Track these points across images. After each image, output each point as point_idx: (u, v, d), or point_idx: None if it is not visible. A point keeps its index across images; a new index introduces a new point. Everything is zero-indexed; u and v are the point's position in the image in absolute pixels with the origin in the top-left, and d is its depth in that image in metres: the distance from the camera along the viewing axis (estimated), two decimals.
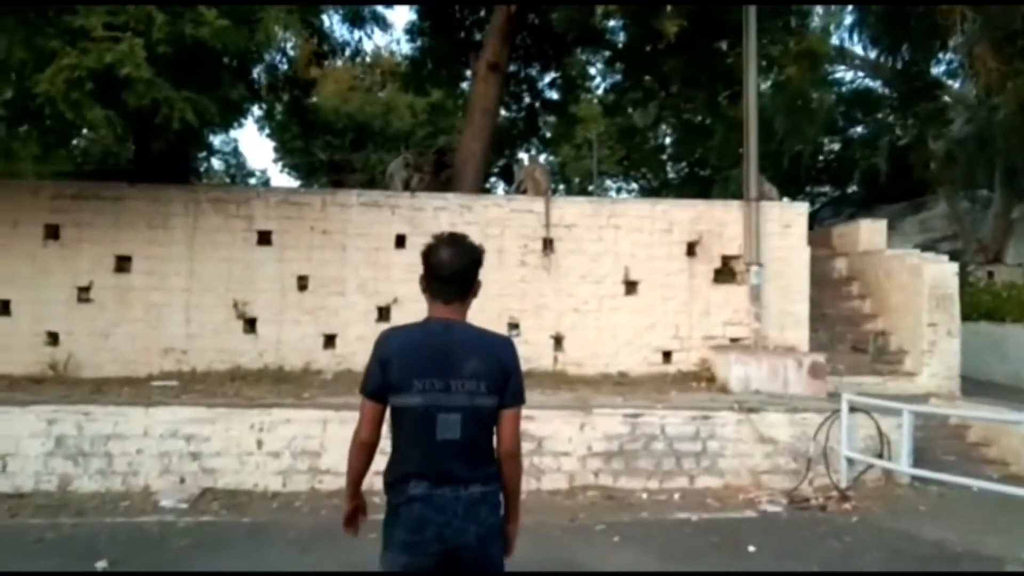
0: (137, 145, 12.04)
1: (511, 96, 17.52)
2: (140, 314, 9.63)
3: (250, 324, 9.89)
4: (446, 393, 2.33)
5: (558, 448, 7.62)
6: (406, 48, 15.53)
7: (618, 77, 18.67)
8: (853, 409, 7.83)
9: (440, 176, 11.73)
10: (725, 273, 10.69)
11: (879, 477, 7.82)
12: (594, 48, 14.62)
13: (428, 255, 2.53)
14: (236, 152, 29.89)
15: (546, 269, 10.31)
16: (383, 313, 10.08)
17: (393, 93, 28.90)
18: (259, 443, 7.33)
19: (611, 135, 29.95)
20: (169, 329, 9.70)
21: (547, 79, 18.14)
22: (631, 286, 10.48)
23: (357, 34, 14.03)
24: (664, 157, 29.98)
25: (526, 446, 7.52)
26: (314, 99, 20.57)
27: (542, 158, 19.16)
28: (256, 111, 27.70)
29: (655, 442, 7.77)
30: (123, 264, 9.68)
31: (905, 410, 7.37)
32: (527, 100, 18.26)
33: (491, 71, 13.00)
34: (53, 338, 9.57)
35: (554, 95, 18.41)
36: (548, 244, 10.28)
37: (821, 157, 28.36)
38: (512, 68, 15.30)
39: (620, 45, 17.15)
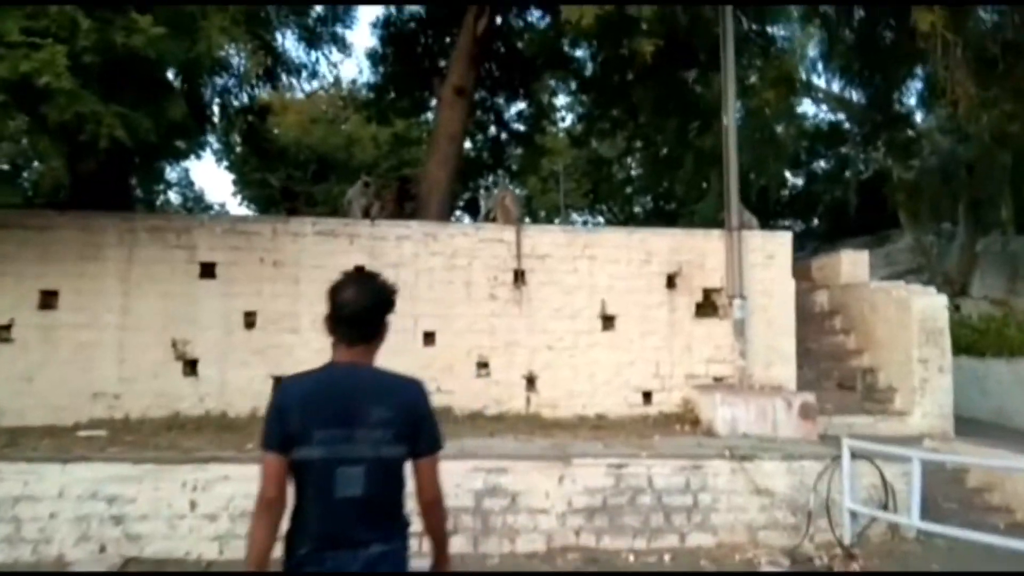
0: (70, 170, 11.11)
1: (477, 126, 16.99)
2: (68, 355, 8.62)
3: (191, 365, 8.95)
4: (349, 444, 2.18)
5: (535, 504, 6.81)
6: (367, 74, 14.90)
7: (587, 107, 18.37)
8: (854, 456, 7.18)
9: (403, 206, 10.99)
10: (707, 307, 10.08)
11: (884, 531, 7.16)
12: (563, 75, 14.17)
13: (333, 294, 2.42)
14: (190, 185, 28.79)
15: (517, 303, 9.58)
16: None
17: (356, 125, 28.30)
18: (192, 504, 6.40)
19: (578, 168, 29.65)
20: (100, 371, 8.71)
21: (514, 109, 17.70)
22: (608, 321, 9.80)
23: (314, 55, 13.28)
24: (630, 190, 29.73)
25: (499, 502, 6.73)
26: (271, 127, 19.82)
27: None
28: (214, 142, 27.10)
29: (642, 496, 7.01)
30: (49, 300, 8.69)
31: (915, 457, 6.73)
32: (493, 131, 17.77)
33: (457, 96, 12.40)
34: None
35: (521, 126, 17.97)
36: (520, 276, 9.58)
37: (785, 191, 28.37)
38: (478, 96, 14.76)
39: (589, 73, 16.83)
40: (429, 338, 9.39)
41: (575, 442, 8.22)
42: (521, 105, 17.71)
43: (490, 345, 9.51)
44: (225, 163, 28.06)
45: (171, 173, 27.16)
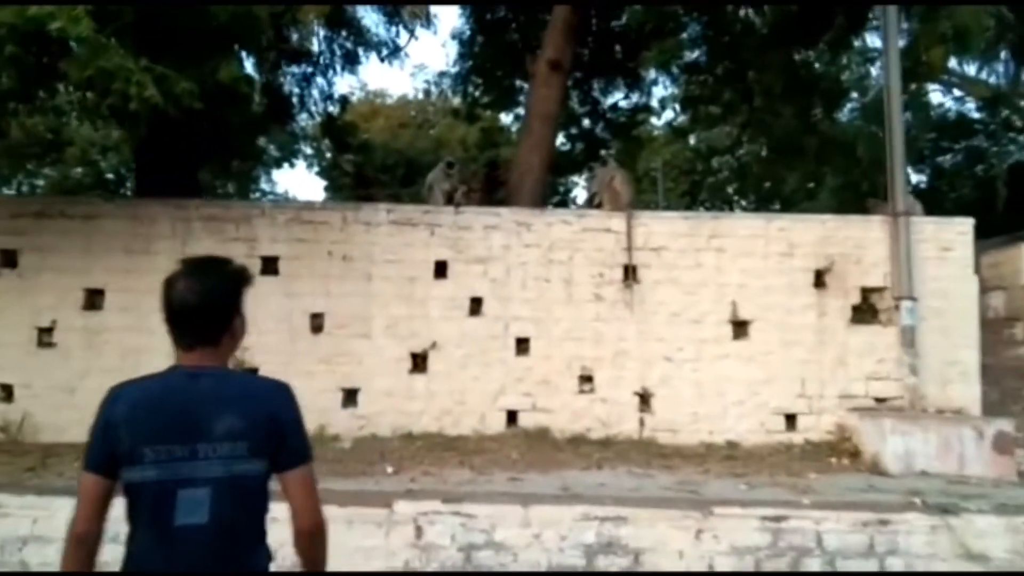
0: (136, 162, 10.24)
1: (569, 119, 15.42)
2: (114, 362, 7.55)
3: (250, 374, 7.73)
4: (190, 462, 1.83)
5: (664, 565, 5.15)
6: (453, 57, 13.63)
7: (694, 90, 16.54)
8: None
9: (492, 196, 9.52)
10: (865, 311, 8.14)
11: None
12: (667, 54, 12.45)
13: (164, 288, 1.98)
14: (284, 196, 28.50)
15: (628, 305, 7.93)
16: (418, 361, 7.83)
17: (444, 129, 27.45)
18: None
19: (675, 166, 27.67)
20: None
21: (611, 99, 16.04)
22: (740, 327, 8.01)
23: (395, 30, 12.06)
24: (732, 189, 27.46)
25: (617, 561, 5.10)
26: (357, 125, 18.90)
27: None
28: (305, 148, 26.70)
29: (808, 558, 5.24)
30: (94, 299, 7.68)
31: None
32: (587, 123, 16.18)
33: (553, 71, 10.86)
34: (7, 392, 7.58)
35: (618, 117, 16.28)
36: (630, 272, 7.93)
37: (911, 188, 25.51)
38: (572, 80, 13.18)
39: (697, 54, 15.04)
40: (522, 346, 7.88)
41: (707, 479, 6.52)
42: (619, 94, 16.08)
43: (595, 355, 7.90)
44: (316, 169, 27.76)
45: (264, 184, 26.99)
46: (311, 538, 1.97)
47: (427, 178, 8.52)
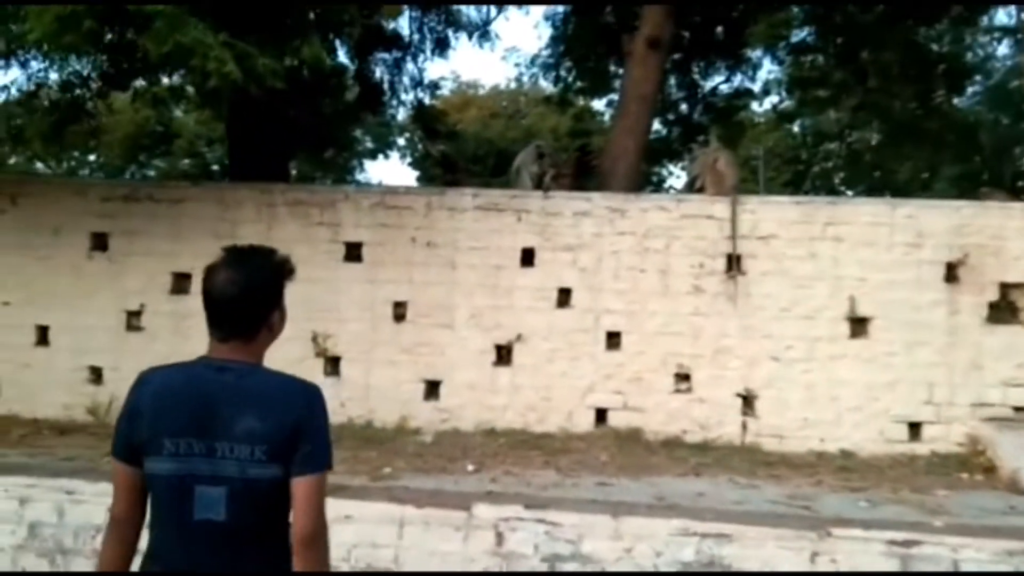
0: (230, 154, 10.28)
1: (666, 107, 14.68)
2: (199, 347, 7.43)
3: (332, 364, 7.58)
4: (208, 459, 1.78)
5: None
6: (545, 40, 13.17)
7: (803, 70, 15.50)
8: None
9: (583, 183, 8.99)
10: (1003, 309, 7.19)
11: None
12: (776, 29, 11.51)
13: (205, 276, 1.95)
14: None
15: (731, 298, 7.28)
16: (503, 353, 7.45)
17: (536, 118, 27.10)
18: None
19: (777, 154, 26.27)
20: None
21: (710, 83, 15.19)
22: (859, 324, 7.23)
23: (486, 10, 11.71)
24: (839, 179, 25.81)
25: None
26: (449, 116, 18.76)
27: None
28: (400, 140, 26.89)
29: None
30: (181, 283, 7.67)
31: None
32: (685, 108, 15.40)
33: (651, 50, 10.19)
34: (96, 374, 7.70)
35: (718, 102, 15.41)
36: (734, 263, 7.27)
37: None
38: (670, 64, 12.47)
39: (804, 32, 14.07)
40: (613, 340, 7.37)
41: (820, 493, 5.85)
42: (720, 77, 15.21)
43: (692, 352, 7.30)
44: (409, 160, 27.96)
45: (359, 175, 27.36)
46: (308, 545, 1.82)
47: (515, 161, 8.10)
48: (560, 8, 13.29)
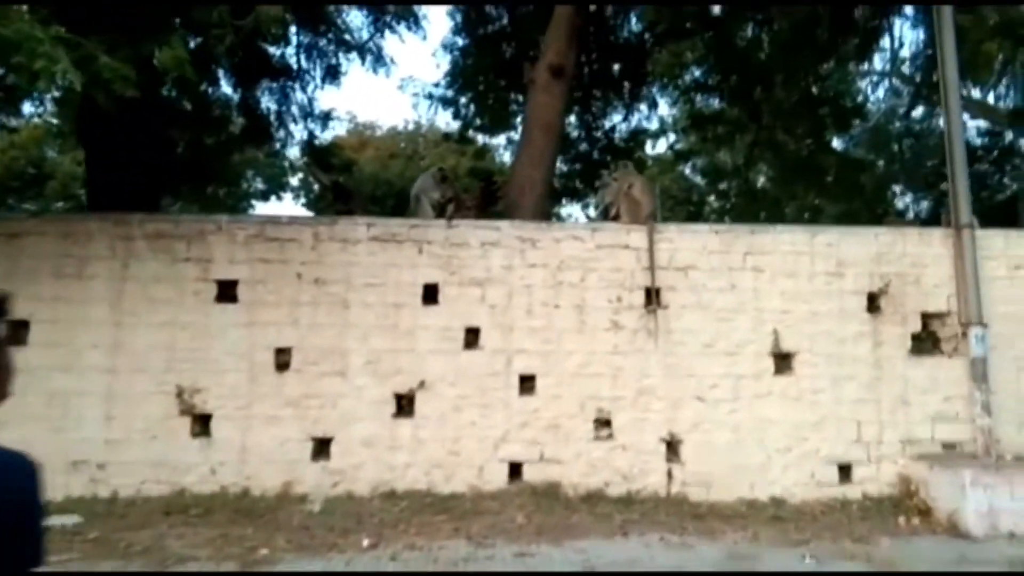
0: (88, 182, 9.01)
1: (565, 143, 14.39)
2: (38, 408, 6.28)
3: (201, 423, 6.48)
4: None
5: None
6: (445, 65, 12.59)
7: (700, 109, 15.64)
8: None
9: (488, 213, 8.34)
10: (926, 340, 6.97)
11: None
12: (679, 62, 11.41)
13: None
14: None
15: (651, 334, 6.73)
16: (403, 403, 6.58)
17: (436, 159, 26.59)
18: None
19: (671, 196, 26.67)
20: (81, 430, 6.33)
21: (609, 121, 15.04)
22: (783, 360, 6.82)
23: (377, 32, 10.99)
24: (729, 221, 26.44)
25: None
26: (347, 155, 17.83)
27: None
28: (293, 181, 25.64)
29: None
30: (17, 333, 6.40)
31: None
32: (584, 147, 15.18)
33: (554, 77, 9.79)
34: None
35: (619, 136, 15.28)
36: (654, 296, 6.75)
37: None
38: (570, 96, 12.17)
39: (699, 72, 14.17)
40: (527, 384, 6.65)
41: (759, 548, 5.27)
42: (618, 116, 15.09)
43: (613, 394, 6.67)
44: (303, 201, 26.65)
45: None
46: None
47: (413, 187, 7.35)
48: (459, 39, 12.76)
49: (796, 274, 6.87)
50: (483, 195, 8.56)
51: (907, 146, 21.77)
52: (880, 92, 22.80)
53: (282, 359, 6.59)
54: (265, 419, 6.50)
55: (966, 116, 21.83)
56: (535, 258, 6.72)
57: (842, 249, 6.93)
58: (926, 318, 6.96)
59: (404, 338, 6.60)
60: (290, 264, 6.61)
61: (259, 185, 24.73)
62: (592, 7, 10.50)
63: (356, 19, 11.15)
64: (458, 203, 7.31)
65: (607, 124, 15.33)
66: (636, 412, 6.66)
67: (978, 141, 21.66)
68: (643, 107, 15.49)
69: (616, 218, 6.98)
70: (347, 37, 10.85)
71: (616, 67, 13.42)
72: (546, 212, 9.70)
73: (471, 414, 6.54)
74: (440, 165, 7.44)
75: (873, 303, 6.93)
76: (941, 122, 20.35)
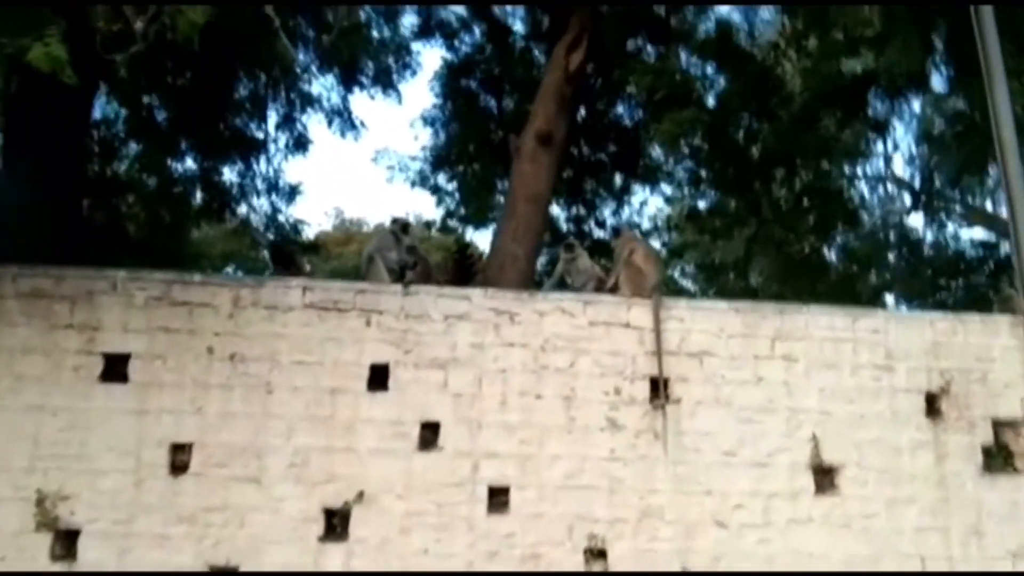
0: None
1: (553, 239, 13.35)
2: None
3: (65, 541, 4.87)
4: None
5: None
6: (424, 137, 11.68)
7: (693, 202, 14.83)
8: None
9: (465, 285, 7.05)
10: (999, 455, 5.57)
11: None
12: (680, 132, 10.54)
13: None
14: None
15: (658, 437, 5.30)
16: (335, 522, 5.01)
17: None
18: None
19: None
20: None
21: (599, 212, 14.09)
22: (825, 475, 5.38)
23: (354, 98, 10.07)
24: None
25: None
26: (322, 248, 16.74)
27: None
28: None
29: None
30: None
31: None
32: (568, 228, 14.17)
33: (542, 145, 8.80)
34: None
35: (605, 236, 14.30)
36: (661, 387, 5.35)
37: None
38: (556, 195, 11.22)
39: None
40: (498, 498, 5.14)
41: None
42: (608, 209, 14.14)
43: (609, 515, 5.16)
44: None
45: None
46: None
47: (367, 247, 6.05)
48: (440, 112, 11.87)
49: (836, 366, 5.53)
50: (456, 268, 7.32)
51: (903, 254, 21.00)
52: (875, 197, 22.19)
53: (179, 458, 5.06)
54: (151, 539, 4.90)
55: (963, 224, 21.25)
56: (513, 335, 5.35)
57: (891, 337, 5.62)
58: (997, 426, 5.59)
59: (341, 434, 5.11)
60: (200, 335, 5.19)
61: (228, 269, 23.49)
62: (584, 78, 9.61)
63: (326, 82, 10.22)
64: (424, 270, 6.00)
65: (596, 216, 14.35)
66: (639, 540, 5.13)
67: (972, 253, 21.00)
68: (634, 201, 14.66)
69: (615, 290, 5.68)
70: (315, 97, 9.83)
71: (608, 153, 12.61)
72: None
73: (423, 538, 4.97)
74: (402, 219, 6.12)
75: (932, 405, 5.57)
76: (925, 233, 19.45)
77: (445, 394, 5.23)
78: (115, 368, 5.14)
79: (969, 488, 5.42)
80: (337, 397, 5.17)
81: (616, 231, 6.82)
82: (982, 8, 6.11)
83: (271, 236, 11.16)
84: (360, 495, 5.01)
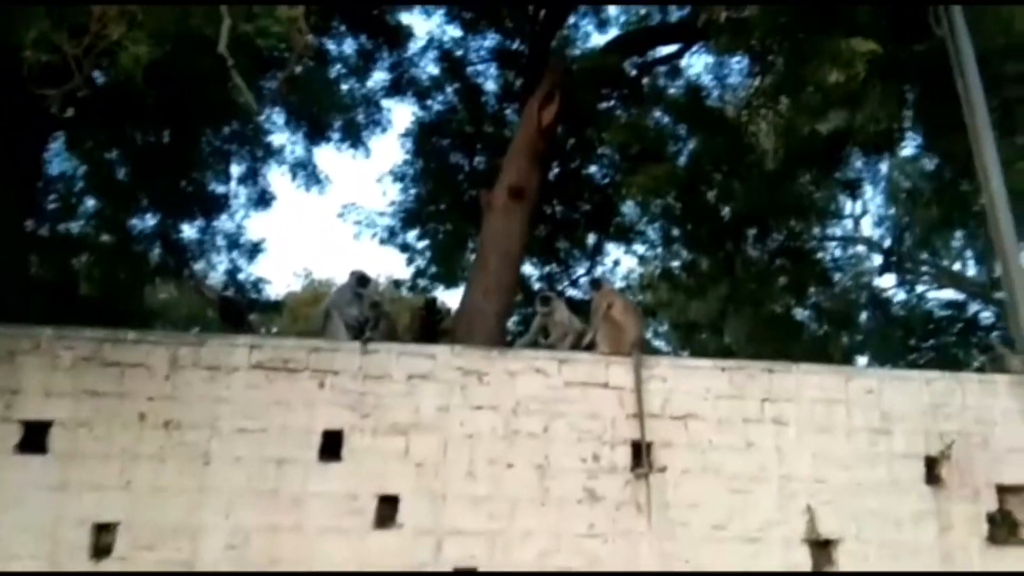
0: None
1: (526, 300, 13.01)
2: None
3: None
4: None
5: None
6: (392, 191, 11.37)
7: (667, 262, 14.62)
8: None
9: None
10: (1004, 524, 5.16)
11: None
12: (656, 188, 10.34)
13: None
14: None
15: (641, 509, 4.82)
16: None
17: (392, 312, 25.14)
18: None
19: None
20: None
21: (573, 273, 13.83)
22: (822, 549, 4.91)
23: (322, 152, 9.76)
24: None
25: None
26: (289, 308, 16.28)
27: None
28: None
29: None
30: None
31: None
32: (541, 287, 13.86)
33: (514, 200, 8.52)
34: None
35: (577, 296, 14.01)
36: (644, 454, 4.89)
37: None
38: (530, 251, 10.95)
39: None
40: None
41: None
42: (581, 269, 13.90)
43: None
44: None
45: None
46: None
47: (324, 303, 5.61)
48: (410, 169, 11.60)
49: (830, 429, 5.13)
50: (423, 325, 6.86)
51: (872, 316, 20.93)
52: (845, 258, 22.21)
53: (103, 540, 4.47)
54: None
55: (934, 286, 21.30)
56: (481, 398, 4.89)
57: (885, 398, 5.26)
58: (1001, 492, 5.20)
59: (287, 510, 4.56)
60: (131, 399, 4.67)
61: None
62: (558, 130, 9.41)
63: (291, 136, 9.89)
64: (387, 327, 5.56)
65: (569, 274, 14.08)
66: None
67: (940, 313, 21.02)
68: (607, 260, 14.45)
69: (592, 347, 5.27)
70: (278, 149, 9.49)
71: (580, 211, 12.43)
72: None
73: None
74: (362, 273, 5.68)
75: (932, 471, 5.17)
76: (900, 294, 19.44)
77: (406, 463, 4.72)
78: (34, 437, 4.58)
79: (975, 561, 4.99)
80: (284, 468, 4.64)
81: (595, 283, 6.40)
82: (963, 52, 5.98)
83: (227, 291, 10.68)
84: None
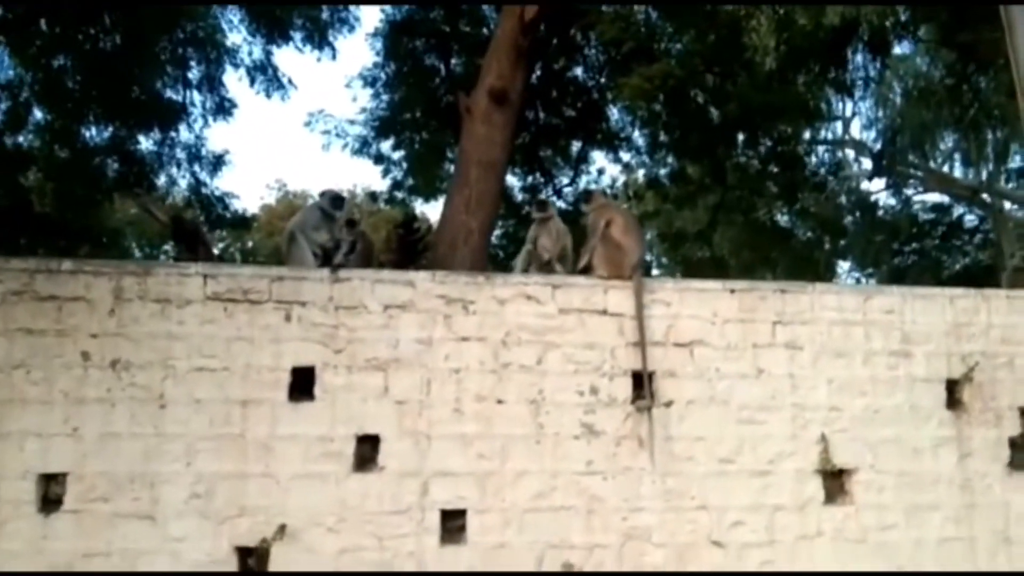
0: None
1: (507, 211, 12.34)
2: None
3: None
4: None
5: None
6: (362, 96, 10.54)
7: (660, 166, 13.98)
8: None
9: (408, 267, 6.07)
10: None
11: None
12: (650, 89, 9.58)
13: None
14: None
15: (643, 444, 4.45)
16: (251, 564, 4.06)
17: (368, 227, 24.29)
18: None
19: None
20: None
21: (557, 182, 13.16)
22: (835, 479, 4.61)
23: (283, 53, 8.88)
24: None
25: None
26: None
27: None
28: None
29: None
30: None
31: None
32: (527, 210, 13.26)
33: (496, 104, 7.82)
34: None
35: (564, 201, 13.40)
36: (646, 385, 4.48)
37: None
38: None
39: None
40: (453, 524, 4.24)
41: None
42: (565, 178, 13.24)
43: (587, 541, 4.31)
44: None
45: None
46: None
47: (288, 224, 5.02)
48: (382, 72, 10.72)
49: (847, 353, 4.74)
50: (402, 245, 6.31)
51: (858, 221, 20.58)
52: (835, 161, 21.68)
53: (51, 491, 4.03)
54: None
55: (920, 190, 20.89)
56: (468, 328, 4.41)
57: (907, 318, 4.85)
58: None
59: (256, 456, 4.13)
60: (72, 337, 4.13)
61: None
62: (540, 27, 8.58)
63: (248, 36, 8.97)
64: (364, 250, 5.00)
65: (554, 184, 13.44)
66: (624, 568, 4.29)
67: (925, 216, 20.71)
68: (592, 169, 13.82)
69: (588, 270, 4.76)
70: (234, 50, 8.61)
71: (565, 117, 11.69)
72: (485, 270, 7.48)
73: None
74: (333, 191, 5.07)
75: (953, 395, 4.83)
76: (887, 198, 19.07)
77: (385, 402, 4.27)
78: None
79: (996, 490, 4.72)
80: (250, 410, 4.17)
81: (586, 195, 5.78)
82: None
83: (191, 209, 9.94)
84: (281, 530, 4.05)
